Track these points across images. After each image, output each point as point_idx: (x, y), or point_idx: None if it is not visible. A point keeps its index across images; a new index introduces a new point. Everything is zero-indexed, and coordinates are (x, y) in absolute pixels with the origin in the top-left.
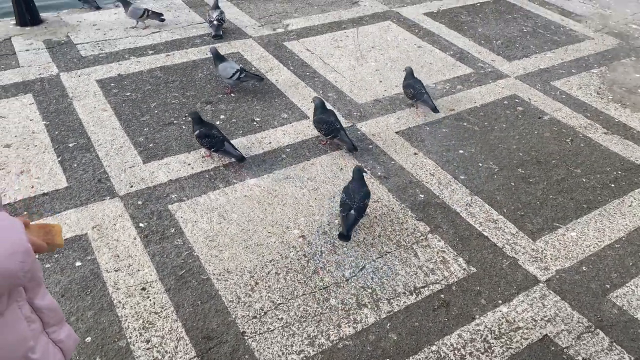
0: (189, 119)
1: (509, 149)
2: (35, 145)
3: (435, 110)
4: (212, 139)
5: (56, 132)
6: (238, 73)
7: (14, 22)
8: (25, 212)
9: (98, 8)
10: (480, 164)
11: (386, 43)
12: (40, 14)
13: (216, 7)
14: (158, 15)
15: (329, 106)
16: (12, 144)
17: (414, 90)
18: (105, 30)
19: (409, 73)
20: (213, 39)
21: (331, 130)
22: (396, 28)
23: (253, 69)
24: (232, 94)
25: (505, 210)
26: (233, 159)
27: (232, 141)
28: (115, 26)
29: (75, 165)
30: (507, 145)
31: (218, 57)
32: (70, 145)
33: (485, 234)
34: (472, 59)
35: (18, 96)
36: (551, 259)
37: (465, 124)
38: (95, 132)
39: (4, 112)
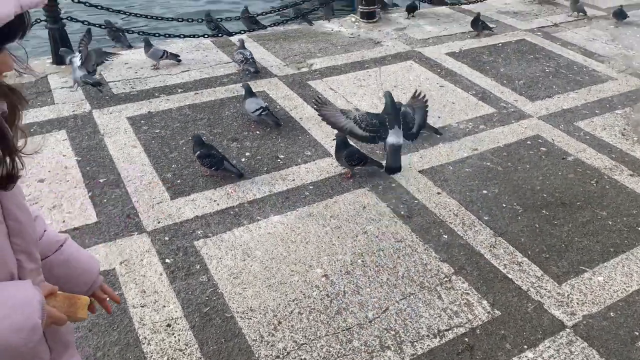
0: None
1: (533, 189)
2: (68, 181)
3: (437, 132)
4: (212, 159)
5: (87, 168)
6: (260, 110)
7: (51, 60)
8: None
9: (130, 47)
10: (504, 205)
11: (408, 82)
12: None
13: (243, 46)
14: (175, 56)
15: None
16: (46, 179)
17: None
18: (137, 69)
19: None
20: (253, 75)
21: (361, 158)
22: (418, 67)
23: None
24: (257, 132)
25: (529, 253)
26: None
27: (256, 178)
28: (146, 65)
29: (105, 200)
30: (531, 186)
31: (248, 92)
32: (101, 180)
33: (510, 276)
34: (495, 99)
35: (52, 132)
36: (577, 303)
37: (488, 163)
38: (125, 168)
39: (25, 142)
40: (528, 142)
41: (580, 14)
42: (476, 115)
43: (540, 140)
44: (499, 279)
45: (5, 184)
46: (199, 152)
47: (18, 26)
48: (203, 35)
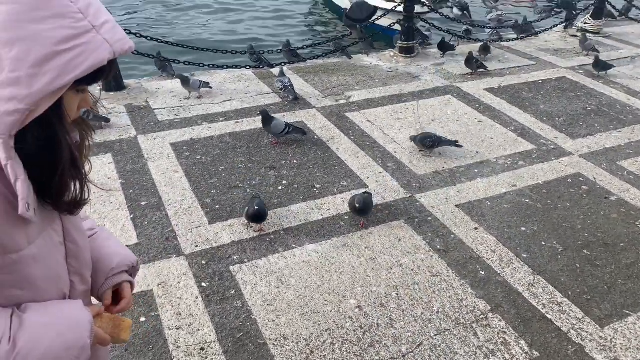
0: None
1: (574, 228)
2: (111, 202)
3: (458, 145)
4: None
5: (131, 191)
6: (287, 129)
7: (100, 87)
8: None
9: (175, 76)
10: (544, 243)
11: (446, 116)
12: (124, 81)
13: (282, 74)
14: (207, 84)
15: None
16: (91, 200)
17: (432, 139)
18: (181, 98)
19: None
20: (292, 102)
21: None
22: (457, 102)
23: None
24: (295, 161)
25: (570, 293)
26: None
27: (292, 206)
28: (191, 94)
29: (146, 222)
30: (572, 225)
31: (269, 117)
32: (143, 203)
33: (549, 316)
34: (534, 136)
35: (99, 155)
36: (621, 349)
37: (527, 200)
38: (167, 192)
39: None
40: (569, 180)
41: (593, 52)
42: (515, 152)
43: (581, 179)
44: (538, 319)
45: (72, 209)
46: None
47: (106, 69)
48: (245, 67)
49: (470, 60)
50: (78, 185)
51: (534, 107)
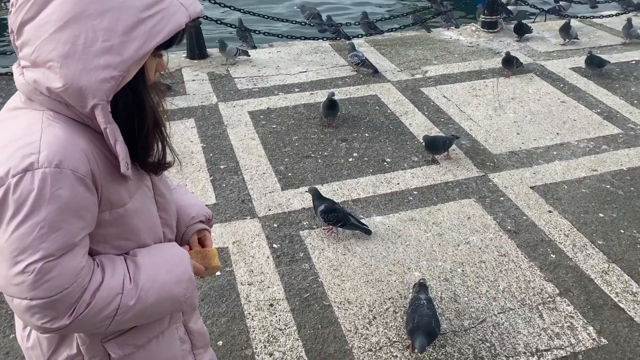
0: (310, 194)
1: None
2: (193, 164)
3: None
4: (338, 214)
5: (211, 154)
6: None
7: (185, 55)
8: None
9: (254, 47)
10: (622, 231)
11: (527, 95)
12: (207, 49)
13: (354, 48)
14: (245, 53)
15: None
16: (175, 161)
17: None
18: (260, 68)
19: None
20: (374, 75)
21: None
22: (539, 81)
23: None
24: (366, 134)
25: None
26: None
27: (361, 179)
28: (269, 64)
29: (224, 185)
30: None
31: (336, 102)
32: (222, 167)
33: (622, 305)
34: (622, 119)
35: (183, 120)
36: None
37: (608, 186)
38: (243, 158)
39: (170, 132)
40: None
41: (636, 40)
42: (599, 135)
43: None
44: (609, 307)
45: (156, 169)
46: (323, 206)
47: (179, 33)
48: (322, 38)
49: (510, 62)
50: (161, 146)
51: (624, 89)
